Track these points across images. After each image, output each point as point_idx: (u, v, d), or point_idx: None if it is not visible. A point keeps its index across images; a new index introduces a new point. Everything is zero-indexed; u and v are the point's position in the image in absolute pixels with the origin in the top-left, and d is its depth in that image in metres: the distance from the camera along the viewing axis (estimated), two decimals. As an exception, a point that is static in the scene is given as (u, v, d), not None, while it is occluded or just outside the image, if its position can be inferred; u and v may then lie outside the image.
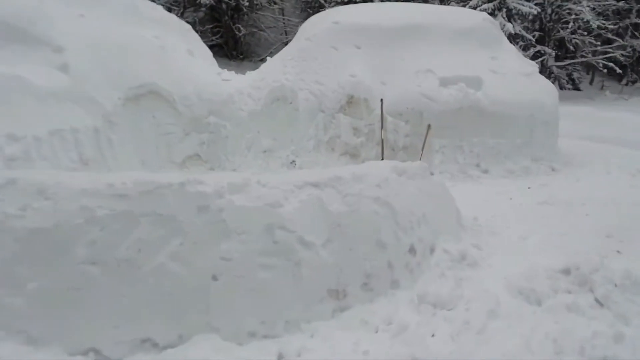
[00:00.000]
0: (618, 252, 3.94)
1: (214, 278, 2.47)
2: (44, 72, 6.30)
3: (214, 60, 9.38)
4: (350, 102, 7.47)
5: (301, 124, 7.66)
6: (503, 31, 18.02)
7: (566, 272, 2.92)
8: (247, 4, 21.84)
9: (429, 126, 7.12)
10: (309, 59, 7.84)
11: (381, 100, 7.28)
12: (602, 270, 2.79)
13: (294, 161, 7.68)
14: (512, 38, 18.34)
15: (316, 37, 8.01)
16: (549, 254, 3.72)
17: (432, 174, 7.03)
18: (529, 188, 6.39)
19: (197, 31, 20.85)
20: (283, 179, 2.82)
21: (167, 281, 2.41)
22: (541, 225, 4.71)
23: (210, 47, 20.11)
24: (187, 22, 20.75)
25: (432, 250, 3.43)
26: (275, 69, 8.10)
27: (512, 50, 8.37)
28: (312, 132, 7.63)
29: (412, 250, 3.15)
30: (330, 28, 8.01)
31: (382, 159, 7.03)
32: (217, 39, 22.60)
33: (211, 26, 22.78)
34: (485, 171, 7.07)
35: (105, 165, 6.45)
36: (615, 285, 2.68)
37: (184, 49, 8.42)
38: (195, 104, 7.90)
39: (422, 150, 7.06)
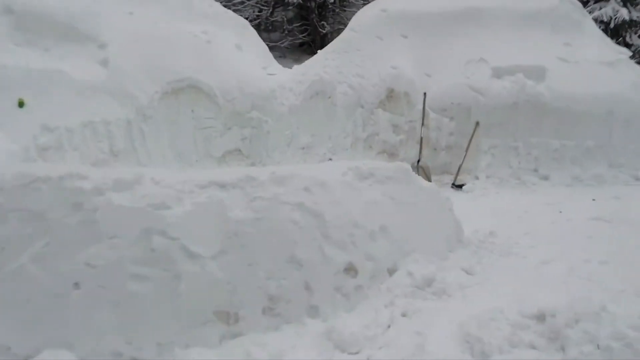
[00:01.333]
0: (668, 293, 2.95)
1: (76, 286, 2.18)
2: (85, 66, 6.58)
3: (269, 55, 9.23)
4: (390, 97, 6.81)
5: (339, 120, 7.18)
6: (615, 17, 15.68)
7: (540, 318, 2.15)
8: (332, 0, 21.69)
9: (477, 123, 6.21)
10: (351, 51, 7.31)
11: (424, 94, 6.53)
12: (587, 323, 1.98)
13: (330, 159, 7.23)
14: (628, 25, 15.87)
15: (361, 27, 7.46)
16: (558, 290, 2.87)
17: (476, 178, 6.16)
18: (593, 200, 5.24)
19: (285, 30, 21.01)
20: (185, 177, 2.44)
21: (26, 285, 2.17)
22: (581, 249, 3.75)
23: (299, 45, 20.20)
24: (276, 21, 21.02)
25: (391, 272, 2.81)
26: (318, 62, 7.71)
27: (596, 35, 7.05)
28: (349, 129, 7.11)
29: (350, 270, 2.58)
30: (377, 17, 7.40)
31: (419, 160, 6.30)
32: (304, 37, 22.75)
33: (298, 24, 23.00)
34: (545, 177, 5.99)
35: (135, 157, 6.60)
36: (598, 347, 1.88)
37: (232, 43, 8.37)
38: (237, 99, 7.80)
39: (467, 150, 6.18)
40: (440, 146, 6.44)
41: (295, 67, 8.39)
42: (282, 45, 18.68)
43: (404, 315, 2.42)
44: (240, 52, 8.40)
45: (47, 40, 6.74)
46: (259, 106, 7.88)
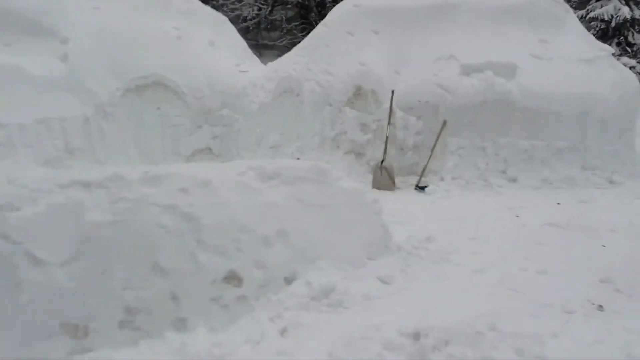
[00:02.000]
0: (600, 307, 2.68)
1: None
2: (44, 62, 6.43)
3: (247, 52, 9.03)
4: (358, 94, 6.56)
5: (307, 118, 6.95)
6: (617, 16, 15.24)
7: (416, 338, 1.90)
8: (331, -1, 21.46)
9: (444, 122, 5.94)
10: (321, 47, 7.08)
11: (392, 92, 6.26)
12: (458, 346, 1.73)
13: (298, 159, 7.00)
14: (630, 24, 15.43)
15: (332, 22, 7.21)
16: (474, 302, 2.62)
17: (442, 179, 5.88)
18: (558, 204, 4.95)
19: (284, 29, 20.75)
20: (46, 176, 2.23)
21: None
22: (522, 256, 3.48)
23: (299, 43, 19.98)
24: (275, 20, 20.72)
25: (289, 281, 2.58)
26: (289, 59, 7.48)
27: (577, 32, 6.70)
28: (317, 127, 6.87)
29: (232, 278, 2.35)
30: (348, 11, 7.15)
31: (383, 160, 6.03)
32: (303, 35, 22.52)
33: (298, 23, 22.81)
34: (513, 180, 5.69)
35: (94, 155, 6.43)
36: (464, 373, 1.64)
37: (206, 40, 8.18)
38: (207, 96, 7.61)
39: (432, 150, 5.90)
40: (407, 146, 6.17)
41: (269, 63, 8.18)
42: (281, 44, 18.44)
43: (283, 330, 2.19)
44: (213, 49, 8.20)
45: (8, 36, 6.60)
46: (230, 104, 7.68)
